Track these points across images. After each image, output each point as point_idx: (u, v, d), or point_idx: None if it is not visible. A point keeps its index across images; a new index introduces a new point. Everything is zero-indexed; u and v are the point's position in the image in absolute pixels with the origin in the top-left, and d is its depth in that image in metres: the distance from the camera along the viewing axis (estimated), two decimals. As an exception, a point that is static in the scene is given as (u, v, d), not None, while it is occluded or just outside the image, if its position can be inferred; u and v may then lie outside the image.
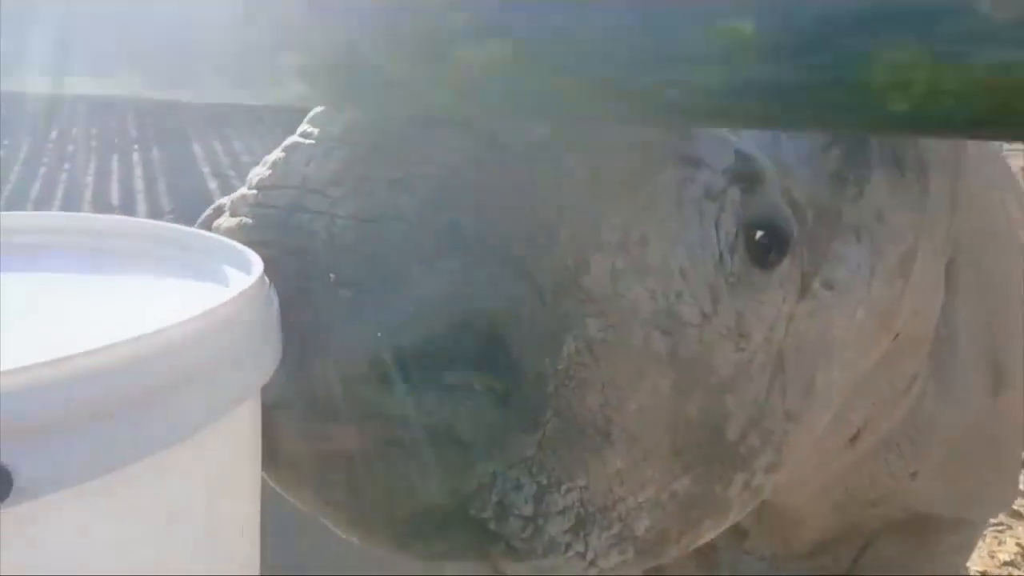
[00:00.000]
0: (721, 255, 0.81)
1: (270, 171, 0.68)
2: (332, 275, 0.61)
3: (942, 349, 1.33)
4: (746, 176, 0.84)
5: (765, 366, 0.87)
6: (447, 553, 0.72)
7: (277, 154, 0.69)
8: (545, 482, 0.71)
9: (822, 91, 0.37)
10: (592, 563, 0.79)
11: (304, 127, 0.70)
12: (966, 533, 1.58)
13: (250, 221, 0.66)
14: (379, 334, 0.59)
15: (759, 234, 0.84)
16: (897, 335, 1.16)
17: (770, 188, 0.86)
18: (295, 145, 0.68)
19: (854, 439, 1.23)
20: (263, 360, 0.54)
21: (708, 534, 0.90)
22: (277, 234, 0.64)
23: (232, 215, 0.70)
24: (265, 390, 0.58)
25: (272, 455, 0.64)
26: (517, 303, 0.64)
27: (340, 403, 0.61)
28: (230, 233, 0.66)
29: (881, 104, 0.35)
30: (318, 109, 0.70)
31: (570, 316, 0.70)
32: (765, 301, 0.86)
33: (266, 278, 0.58)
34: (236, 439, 0.54)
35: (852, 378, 1.05)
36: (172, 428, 0.46)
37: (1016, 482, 1.64)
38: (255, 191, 0.68)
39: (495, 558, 0.74)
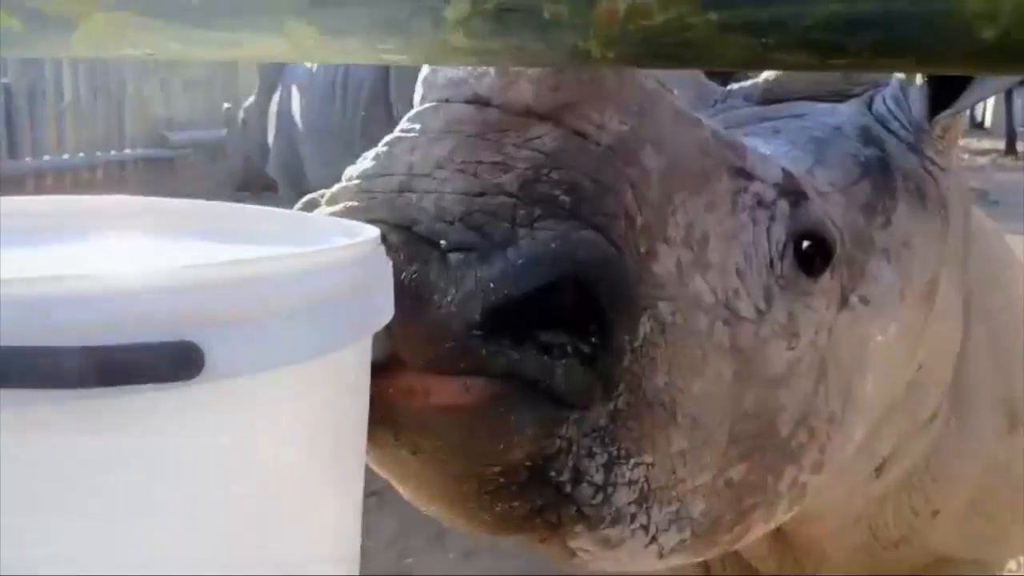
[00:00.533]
0: (772, 259, 0.88)
1: (373, 162, 0.75)
2: (442, 242, 0.67)
3: (958, 389, 1.39)
4: (793, 191, 0.92)
5: (812, 367, 0.93)
6: (525, 518, 0.77)
7: (379, 149, 0.77)
8: (615, 453, 0.76)
9: (911, 21, 0.43)
10: (653, 539, 0.83)
11: (404, 124, 0.77)
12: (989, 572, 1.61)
13: (356, 203, 0.72)
14: (488, 289, 0.65)
15: (806, 244, 0.91)
16: (920, 367, 1.22)
17: (814, 205, 0.94)
18: (398, 139, 0.75)
19: (879, 470, 1.28)
20: (383, 305, 0.59)
21: (758, 526, 0.94)
22: (386, 212, 0.70)
23: (332, 204, 0.76)
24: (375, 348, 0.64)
25: (374, 413, 0.69)
26: (616, 268, 0.70)
27: (451, 358, 0.67)
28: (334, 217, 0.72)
29: (970, 33, 0.42)
30: (418, 108, 0.77)
31: (644, 297, 0.76)
32: (812, 306, 0.93)
33: (384, 250, 0.65)
34: (358, 370, 0.60)
35: (883, 397, 1.11)
36: (332, 336, 0.52)
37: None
38: (359, 180, 0.75)
39: (566, 525, 0.78)
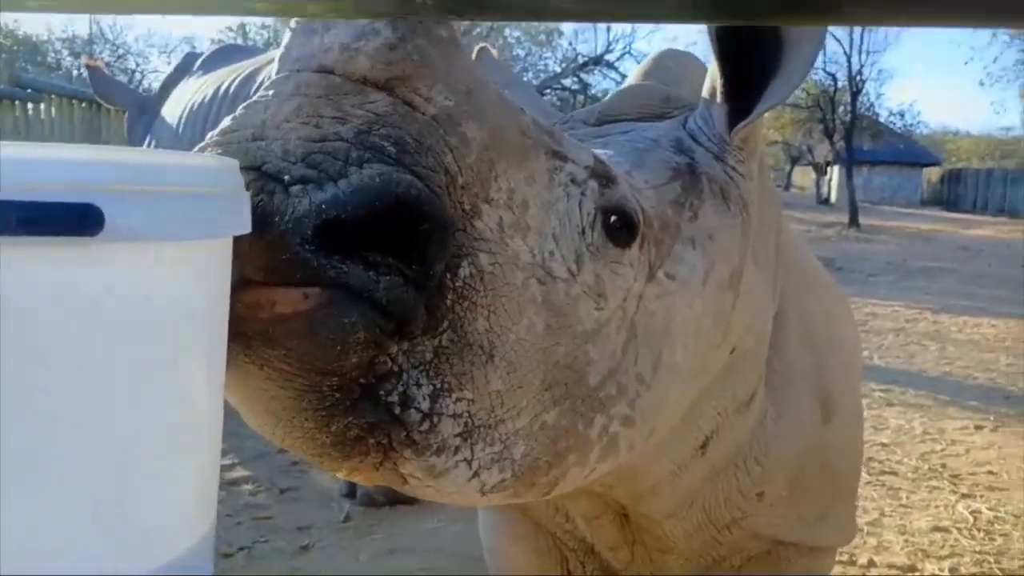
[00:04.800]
0: (583, 228, 1.05)
1: (231, 121, 0.88)
2: (286, 177, 0.80)
3: (776, 379, 1.59)
4: (602, 174, 1.10)
5: (620, 329, 1.10)
6: (358, 438, 0.88)
7: (237, 111, 0.89)
8: (440, 386, 0.92)
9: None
10: (476, 474, 0.97)
11: (260, 92, 0.90)
12: (818, 562, 1.78)
13: (217, 151, 0.84)
14: (320, 210, 0.78)
15: (613, 218, 1.08)
16: (734, 350, 1.40)
17: (622, 188, 1.11)
18: (254, 102, 0.89)
19: (703, 447, 1.45)
20: (246, 214, 0.73)
21: (574, 471, 1.08)
22: (240, 157, 0.83)
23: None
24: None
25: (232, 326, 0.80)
26: (430, 205, 0.85)
27: (289, 269, 0.79)
28: None
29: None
30: (272, 78, 0.90)
31: (465, 246, 0.91)
32: (620, 273, 1.10)
33: (239, 171, 0.77)
34: (226, 267, 0.72)
35: (696, 370, 1.28)
36: (212, 223, 0.65)
37: (854, 512, 1.87)
38: (218, 135, 0.87)
39: (397, 449, 0.90)
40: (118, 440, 0.61)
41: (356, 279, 0.82)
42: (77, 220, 0.55)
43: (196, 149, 0.88)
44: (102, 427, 0.59)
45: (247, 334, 0.82)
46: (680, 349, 1.23)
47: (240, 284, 0.80)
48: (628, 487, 1.48)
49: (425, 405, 0.91)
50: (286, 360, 0.83)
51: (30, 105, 9.47)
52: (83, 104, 9.97)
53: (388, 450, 0.92)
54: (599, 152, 1.30)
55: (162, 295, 0.63)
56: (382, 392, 0.88)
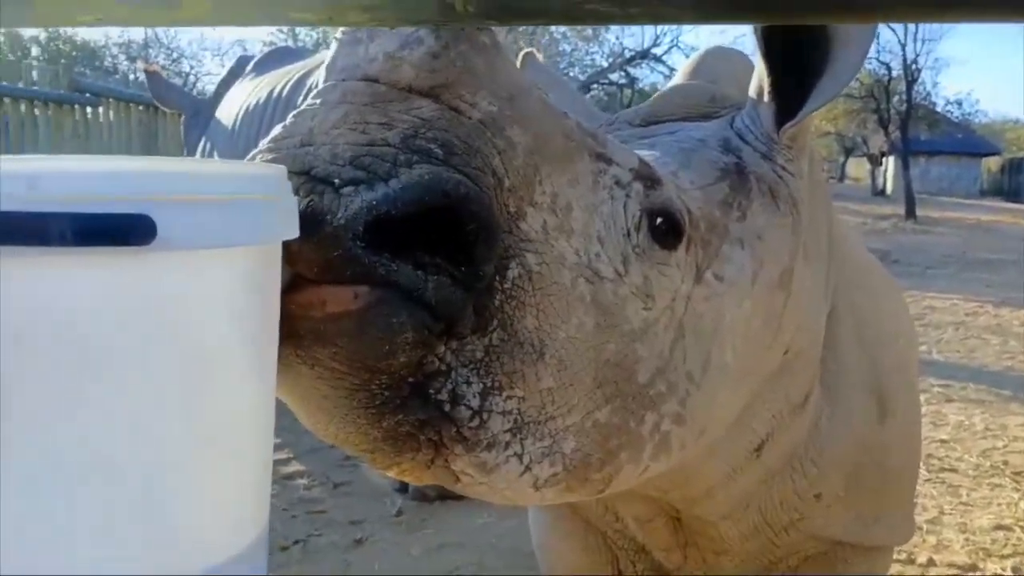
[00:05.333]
0: (628, 230, 1.06)
1: (280, 130, 0.90)
2: (335, 180, 0.81)
3: (830, 378, 1.57)
4: (647, 176, 1.10)
5: (668, 328, 1.10)
6: (410, 435, 0.89)
7: (287, 120, 0.91)
8: (490, 384, 0.93)
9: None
10: (528, 468, 0.97)
11: (308, 101, 0.92)
12: (876, 562, 1.76)
13: (266, 158, 0.86)
14: (370, 207, 0.80)
15: (659, 220, 1.08)
16: (787, 351, 1.39)
17: (667, 190, 1.11)
18: (302, 111, 0.91)
19: (758, 450, 1.44)
20: (292, 220, 0.74)
21: (627, 469, 1.08)
22: (289, 162, 0.86)
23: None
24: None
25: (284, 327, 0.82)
26: (479, 204, 0.87)
27: (341, 266, 0.82)
28: None
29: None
30: (319, 88, 0.92)
31: (512, 247, 0.92)
32: (666, 274, 1.10)
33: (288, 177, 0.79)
34: (274, 272, 0.74)
35: (747, 370, 1.27)
36: (258, 229, 0.67)
37: (912, 511, 1.84)
38: (268, 143, 0.89)
39: (447, 445, 0.92)
40: (167, 444, 0.63)
41: (406, 278, 0.83)
42: (129, 230, 0.56)
43: (248, 156, 0.90)
44: (151, 431, 0.61)
45: (299, 333, 0.84)
46: (730, 350, 1.23)
47: (292, 284, 0.83)
48: (682, 490, 1.48)
49: (475, 402, 0.92)
50: (336, 359, 0.85)
51: (89, 109, 9.75)
52: (140, 107, 10.24)
53: (439, 446, 0.93)
54: (644, 154, 1.30)
55: (211, 300, 0.64)
56: (431, 390, 0.89)
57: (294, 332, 0.84)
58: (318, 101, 0.91)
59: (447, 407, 0.91)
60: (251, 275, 0.69)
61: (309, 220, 0.80)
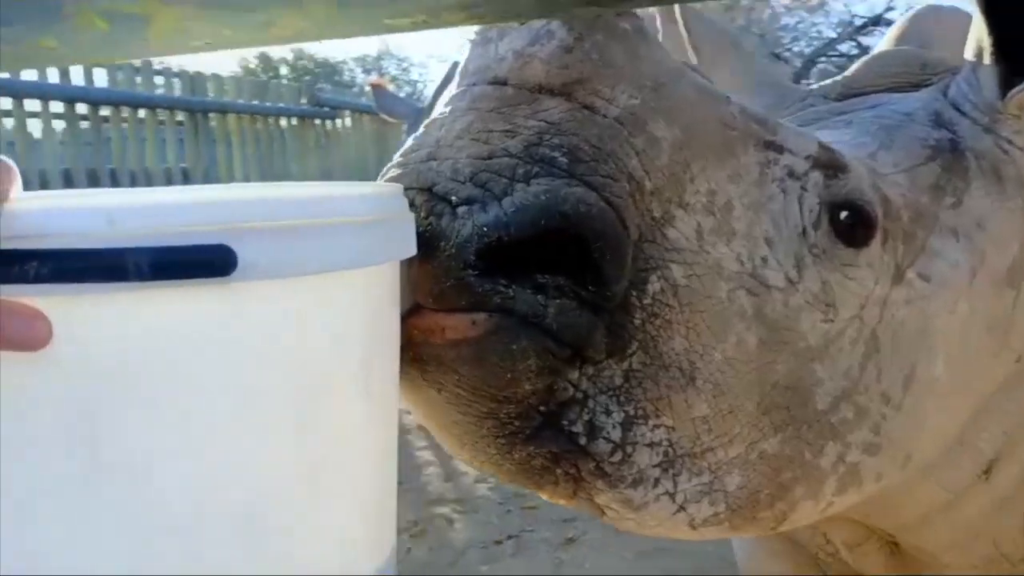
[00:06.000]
0: (804, 228, 0.92)
1: (412, 142, 0.86)
2: (453, 198, 0.76)
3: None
4: (828, 163, 0.96)
5: (857, 342, 0.95)
6: (544, 468, 0.82)
7: (419, 130, 0.87)
8: (632, 413, 0.84)
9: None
10: (682, 508, 0.87)
11: (439, 108, 0.88)
12: None
13: (392, 175, 0.84)
14: (482, 233, 0.75)
15: (844, 214, 0.94)
16: (1020, 359, 1.18)
17: (854, 177, 0.96)
18: (432, 120, 0.87)
19: (987, 473, 1.23)
20: (400, 241, 0.71)
21: (804, 505, 0.95)
22: (413, 178, 0.81)
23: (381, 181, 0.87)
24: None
25: (405, 355, 0.78)
26: (602, 221, 0.78)
27: (455, 295, 0.76)
28: None
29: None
30: (450, 94, 0.87)
31: (654, 259, 0.83)
32: (854, 277, 0.95)
33: (406, 199, 0.75)
34: (382, 294, 0.70)
35: (965, 384, 1.09)
36: (350, 254, 0.63)
37: None
38: (400, 157, 0.86)
39: (587, 479, 0.83)
40: (271, 475, 0.60)
41: (523, 304, 0.76)
42: (209, 262, 0.54)
43: (383, 171, 0.87)
44: (244, 466, 0.59)
45: (423, 358, 0.80)
46: (941, 361, 1.05)
47: (414, 309, 0.79)
48: (891, 518, 1.30)
49: (616, 434, 0.83)
50: (460, 385, 0.79)
51: (328, 122, 10.51)
52: (373, 117, 10.88)
53: (579, 480, 0.85)
54: (833, 135, 1.15)
55: (305, 327, 0.61)
56: (565, 421, 0.82)
57: (418, 357, 0.80)
58: (448, 109, 0.86)
59: (583, 440, 0.82)
60: (357, 297, 0.65)
61: (426, 244, 0.76)
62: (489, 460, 0.85)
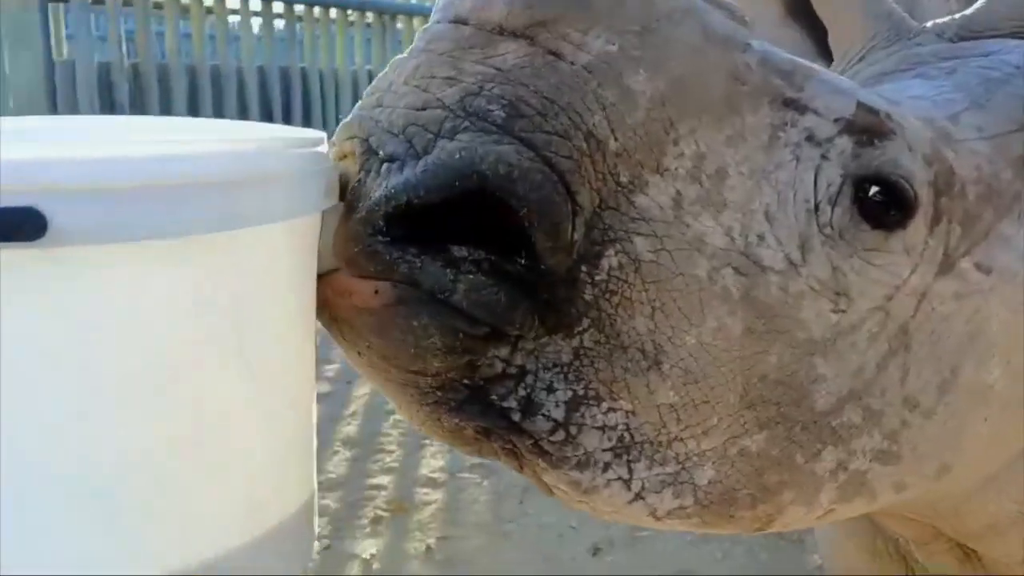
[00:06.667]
0: (817, 204, 0.79)
1: (375, 81, 0.80)
2: (381, 153, 0.70)
3: None
4: (865, 129, 0.81)
5: (878, 338, 0.82)
6: (476, 439, 0.77)
7: (387, 69, 0.81)
8: (582, 393, 0.75)
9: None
10: (639, 496, 0.79)
11: (409, 48, 0.81)
12: None
13: (347, 119, 0.78)
14: (391, 196, 0.68)
15: (873, 190, 0.79)
16: None
17: (895, 146, 0.81)
18: (393, 61, 0.79)
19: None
20: (265, 203, 0.64)
21: (792, 511, 0.84)
22: (356, 127, 0.76)
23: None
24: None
25: (325, 314, 0.75)
26: (529, 185, 0.69)
27: (363, 260, 0.71)
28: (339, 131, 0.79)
29: None
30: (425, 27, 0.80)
31: (614, 229, 0.73)
32: (880, 264, 0.81)
33: (326, 150, 0.70)
34: (264, 254, 0.65)
35: (1029, 393, 0.92)
36: (195, 219, 0.58)
37: None
38: (361, 100, 0.80)
39: (527, 456, 0.77)
40: (104, 456, 0.58)
41: (430, 278, 0.70)
42: (16, 224, 0.50)
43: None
44: (83, 440, 0.56)
45: (338, 320, 0.75)
46: (996, 366, 0.88)
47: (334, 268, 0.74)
48: (950, 525, 1.14)
49: (558, 413, 0.75)
50: (372, 352, 0.74)
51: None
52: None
53: (519, 456, 0.79)
54: (920, 87, 0.97)
55: (149, 295, 0.58)
56: (494, 396, 0.75)
57: (334, 318, 0.75)
58: (410, 48, 0.79)
59: (516, 416, 0.75)
60: (219, 263, 0.61)
61: (348, 203, 0.71)
62: (422, 425, 0.80)
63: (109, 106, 7.10)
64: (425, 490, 3.28)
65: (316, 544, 2.88)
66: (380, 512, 3.11)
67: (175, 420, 0.61)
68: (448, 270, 0.70)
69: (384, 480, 3.33)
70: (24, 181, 0.52)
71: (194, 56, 7.69)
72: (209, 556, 0.64)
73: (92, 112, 6.86)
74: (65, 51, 7.16)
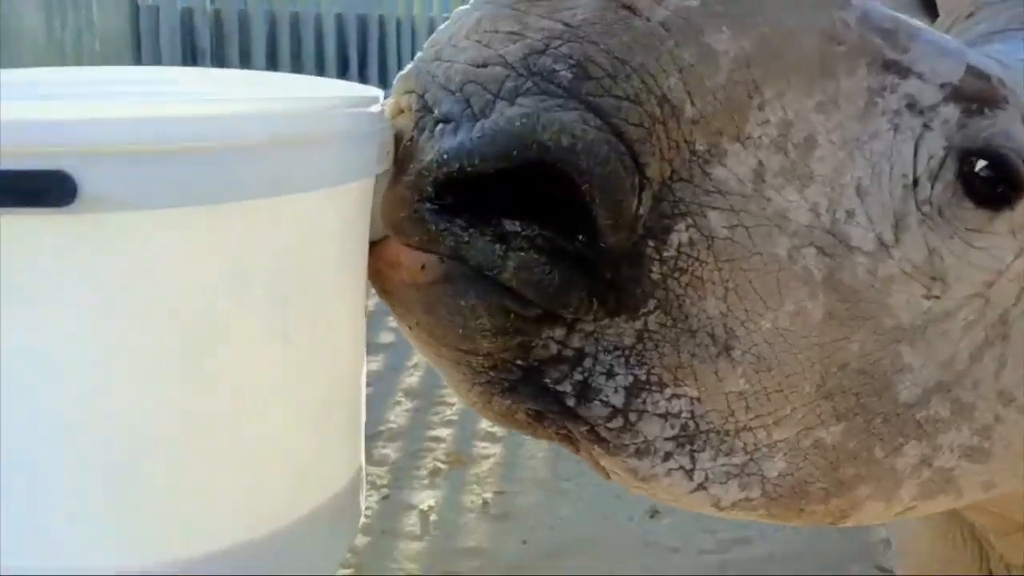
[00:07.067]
0: (917, 179, 0.72)
1: (436, 33, 0.75)
2: (436, 111, 0.66)
3: None
4: (975, 96, 0.73)
5: (974, 326, 0.75)
6: (528, 423, 0.73)
7: (451, 18, 0.76)
8: (644, 378, 0.70)
9: None
10: (702, 486, 0.74)
11: None
12: None
13: (405, 71, 0.73)
14: (442, 161, 0.64)
15: (980, 165, 0.72)
16: None
17: (1009, 116, 0.73)
18: (458, 11, 0.74)
19: None
20: (311, 167, 0.60)
21: (869, 506, 0.79)
22: (413, 81, 0.71)
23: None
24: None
25: (378, 284, 0.71)
26: (593, 157, 0.63)
27: (409, 228, 0.67)
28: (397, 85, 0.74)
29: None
30: None
31: (686, 203, 0.67)
32: (982, 246, 0.74)
33: (384, 109, 0.66)
34: (311, 221, 0.61)
35: None
36: (234, 185, 0.54)
37: None
38: (422, 51, 0.75)
39: (582, 441, 0.73)
40: (132, 430, 0.55)
41: (477, 253, 0.65)
42: (43, 189, 0.47)
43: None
44: (111, 413, 0.54)
45: (388, 291, 0.71)
46: None
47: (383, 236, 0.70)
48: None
49: (617, 399, 0.70)
50: (421, 328, 0.70)
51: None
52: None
53: (574, 440, 0.75)
54: (1004, 51, 0.87)
55: (181, 263, 0.54)
56: (548, 379, 0.70)
57: (384, 289, 0.71)
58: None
59: (571, 401, 0.70)
60: (257, 233, 0.57)
61: (399, 163, 0.67)
62: (473, 405, 0.76)
63: (191, 52, 7.20)
64: (484, 444, 3.28)
65: (375, 493, 2.92)
66: (439, 464, 3.13)
67: (208, 395, 0.58)
68: (498, 245, 0.65)
69: (444, 432, 3.35)
70: (52, 142, 0.49)
71: (274, 3, 7.73)
72: (250, 536, 0.62)
73: (174, 58, 6.96)
74: (150, -4, 7.27)
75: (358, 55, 8.31)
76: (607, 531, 2.83)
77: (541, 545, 2.74)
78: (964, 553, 1.53)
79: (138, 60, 6.86)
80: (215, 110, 0.55)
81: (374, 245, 0.70)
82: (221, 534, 0.60)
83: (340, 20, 8.13)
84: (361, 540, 2.65)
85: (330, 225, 0.64)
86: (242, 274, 0.58)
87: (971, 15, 1.04)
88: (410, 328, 0.72)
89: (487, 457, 3.21)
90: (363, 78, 7.96)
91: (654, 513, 2.92)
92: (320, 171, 0.60)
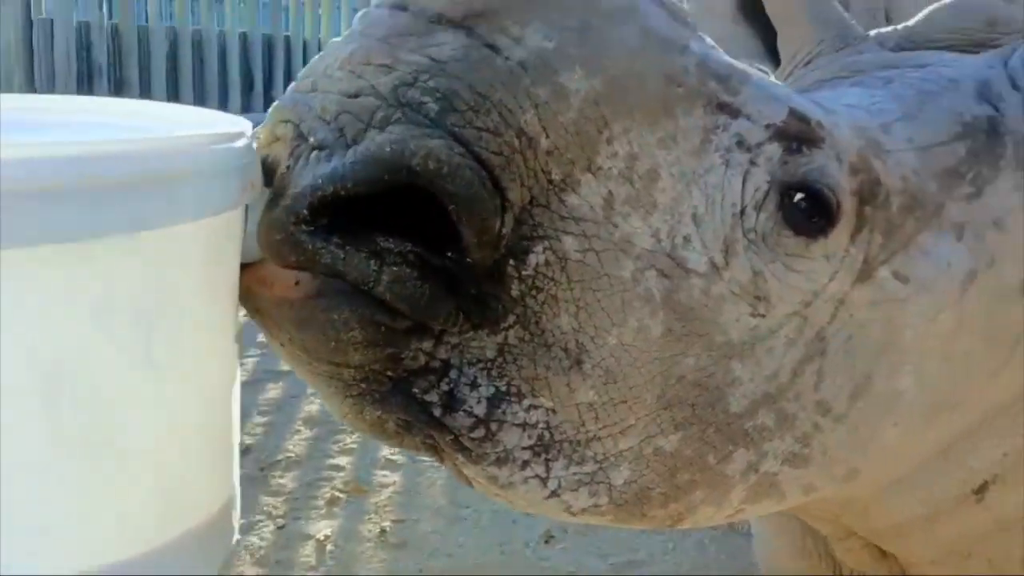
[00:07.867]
0: (743, 209, 0.82)
1: (312, 62, 0.82)
2: (312, 139, 0.72)
3: None
4: (795, 136, 0.85)
5: (795, 343, 0.85)
6: (397, 432, 0.80)
7: (325, 50, 0.83)
8: (504, 389, 0.78)
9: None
10: (555, 494, 0.82)
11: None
12: None
13: (280, 103, 0.80)
14: (317, 185, 0.70)
15: (798, 197, 0.83)
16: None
17: (822, 155, 0.84)
18: (331, 43, 0.81)
19: (979, 492, 1.10)
20: (173, 203, 0.62)
21: (703, 510, 0.88)
22: (289, 111, 0.78)
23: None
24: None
25: (250, 305, 0.77)
26: (459, 181, 0.71)
27: (286, 250, 0.72)
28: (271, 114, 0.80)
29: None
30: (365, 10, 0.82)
31: (543, 227, 0.76)
32: (799, 270, 0.85)
33: (251, 141, 0.73)
34: (171, 253, 0.64)
35: (942, 402, 0.96)
36: (97, 221, 0.57)
37: None
38: (294, 83, 0.82)
39: (447, 450, 0.80)
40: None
41: (354, 269, 0.71)
42: None
43: None
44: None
45: (260, 311, 0.76)
46: (909, 374, 0.92)
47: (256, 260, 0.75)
48: (859, 523, 1.19)
49: (480, 409, 0.77)
50: (294, 345, 0.76)
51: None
52: None
53: (439, 450, 0.82)
54: (856, 95, 1.00)
55: (37, 297, 0.56)
56: (416, 390, 0.77)
57: (256, 308, 0.76)
58: (349, 31, 0.81)
59: (437, 411, 0.77)
60: (121, 264, 0.60)
61: (275, 190, 0.72)
62: (344, 417, 0.82)
63: (87, 67, 7.02)
64: (383, 472, 3.31)
65: (271, 524, 2.89)
66: (337, 493, 3.13)
67: (71, 422, 0.60)
68: (372, 261, 0.71)
69: (343, 461, 3.35)
70: None
71: (176, 19, 7.62)
72: (119, 558, 0.64)
73: (69, 75, 6.75)
74: (44, 8, 7.07)
75: (263, 75, 8.27)
76: (503, 557, 2.89)
77: (438, 572, 2.78)
78: (819, 566, 1.65)
79: (31, 77, 6.65)
80: (76, 151, 0.57)
81: (246, 267, 0.75)
82: (90, 557, 0.62)
83: (245, 39, 8.08)
84: (255, 571, 2.64)
85: (194, 256, 0.67)
86: (105, 305, 0.60)
87: (808, 63, 1.17)
88: (282, 345, 0.78)
89: (386, 486, 3.23)
90: (268, 99, 7.91)
91: (549, 538, 2.99)
92: (182, 207, 0.63)
